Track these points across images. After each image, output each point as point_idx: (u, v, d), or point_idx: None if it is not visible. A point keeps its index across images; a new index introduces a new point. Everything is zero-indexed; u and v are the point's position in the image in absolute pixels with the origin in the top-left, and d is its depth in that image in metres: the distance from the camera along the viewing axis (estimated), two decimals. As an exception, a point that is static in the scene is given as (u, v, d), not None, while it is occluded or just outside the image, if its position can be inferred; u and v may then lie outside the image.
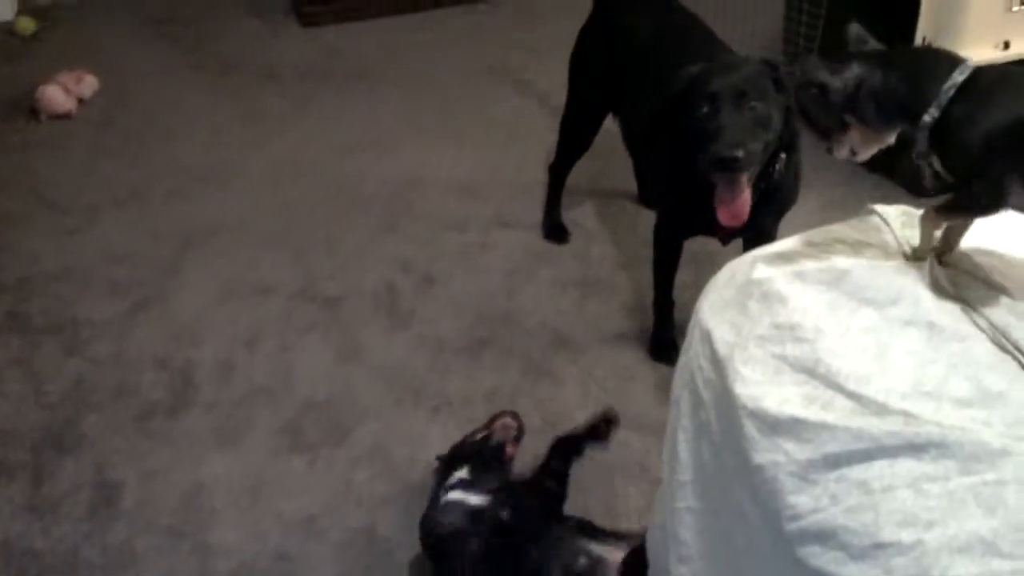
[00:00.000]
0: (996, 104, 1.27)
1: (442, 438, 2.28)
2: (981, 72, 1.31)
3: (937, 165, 1.35)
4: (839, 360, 1.20)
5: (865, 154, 1.43)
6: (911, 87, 1.33)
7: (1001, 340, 1.21)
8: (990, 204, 1.29)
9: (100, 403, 2.40)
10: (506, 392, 2.42)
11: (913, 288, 1.28)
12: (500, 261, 2.90)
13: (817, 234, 1.47)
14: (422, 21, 4.34)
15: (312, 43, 4.20)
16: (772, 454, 1.16)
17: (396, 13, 4.36)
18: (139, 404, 2.40)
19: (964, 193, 1.33)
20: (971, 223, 1.38)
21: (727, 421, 1.24)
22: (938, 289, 1.29)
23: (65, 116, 3.60)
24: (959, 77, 1.29)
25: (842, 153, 1.44)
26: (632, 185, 3.16)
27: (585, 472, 2.17)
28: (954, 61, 1.33)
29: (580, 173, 3.06)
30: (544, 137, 3.36)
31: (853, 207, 1.59)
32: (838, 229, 1.48)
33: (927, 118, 1.30)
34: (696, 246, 2.66)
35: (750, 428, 1.19)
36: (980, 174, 1.28)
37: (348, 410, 2.38)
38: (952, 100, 1.29)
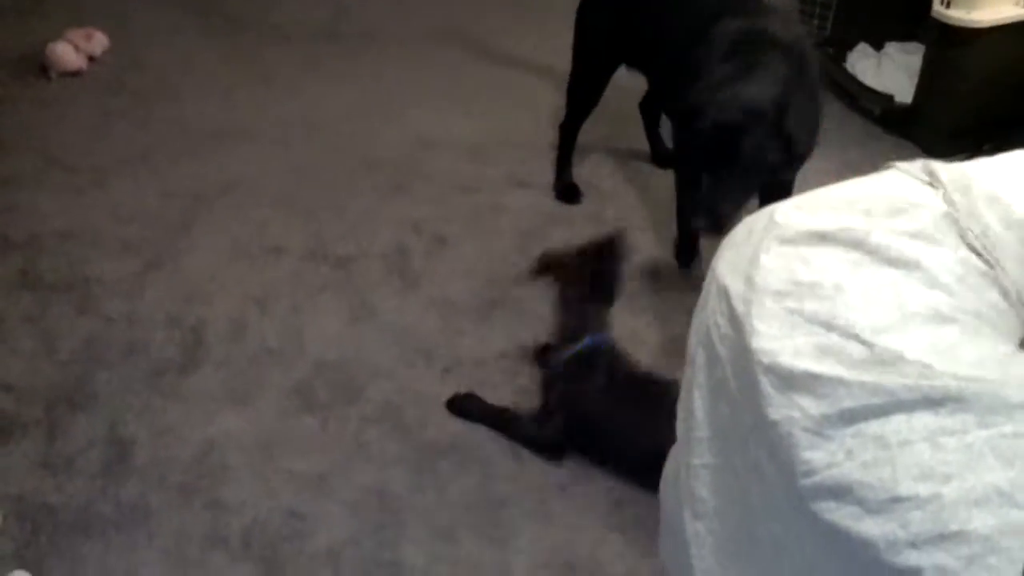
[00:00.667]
0: None
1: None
2: None
3: None
4: (857, 313, 1.19)
5: None
6: None
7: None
8: None
9: (112, 361, 2.40)
10: (517, 353, 2.41)
11: (935, 248, 1.26)
12: (512, 222, 2.89)
13: (835, 190, 1.45)
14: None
15: (321, 3, 4.17)
16: (787, 410, 1.15)
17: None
18: (151, 362, 2.40)
19: None
20: None
21: (744, 377, 1.23)
22: (967, 245, 1.27)
23: (75, 74, 3.58)
24: None
25: None
26: (646, 146, 3.14)
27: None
28: None
29: (593, 134, 3.04)
30: (555, 99, 3.33)
31: (869, 169, 1.57)
32: (856, 185, 1.46)
33: None
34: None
35: (766, 384, 1.18)
36: None
37: (359, 370, 2.38)
38: None
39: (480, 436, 2.20)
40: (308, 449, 2.18)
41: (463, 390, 2.30)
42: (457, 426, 2.23)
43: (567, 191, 2.99)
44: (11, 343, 2.45)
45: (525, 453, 2.16)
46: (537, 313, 2.53)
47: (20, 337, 2.47)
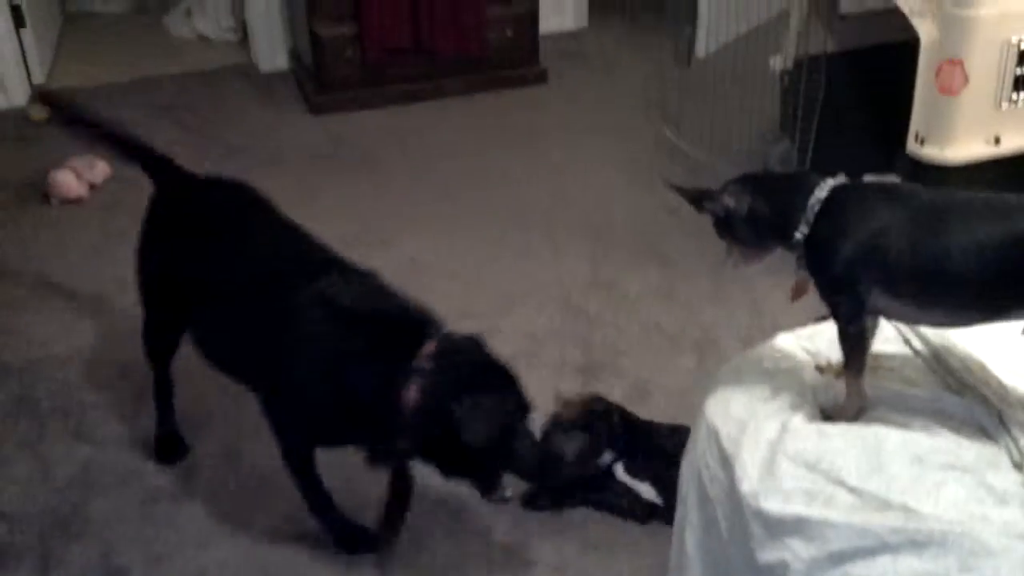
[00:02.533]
0: (851, 222, 1.37)
1: (445, 532, 2.29)
2: (839, 190, 1.41)
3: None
4: (840, 457, 1.24)
5: (750, 266, 1.55)
6: (777, 209, 1.43)
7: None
8: (853, 316, 1.37)
9: (107, 487, 2.42)
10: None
11: (911, 389, 1.32)
12: (503, 346, 2.92)
13: (819, 331, 1.52)
14: (425, 110, 4.44)
15: (318, 130, 4.29)
16: (779, 552, 1.19)
17: (402, 103, 4.47)
18: (145, 489, 2.42)
19: (833, 311, 1.41)
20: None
21: (734, 518, 1.27)
22: (942, 383, 1.33)
23: (76, 201, 3.66)
24: (821, 195, 1.39)
25: (732, 262, 1.56)
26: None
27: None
28: (813, 181, 1.44)
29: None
30: (545, 224, 3.43)
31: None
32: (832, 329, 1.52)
33: (798, 235, 1.40)
34: (698, 332, 2.70)
35: (756, 526, 1.22)
36: (840, 289, 1.36)
37: (352, 499, 2.39)
38: (817, 219, 1.39)
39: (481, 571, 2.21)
40: (301, 578, 2.19)
41: (453, 520, 2.32)
42: (455, 557, 2.24)
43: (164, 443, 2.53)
44: (6, 469, 2.47)
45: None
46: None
47: (16, 463, 2.49)
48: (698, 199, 1.51)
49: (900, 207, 1.35)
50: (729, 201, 1.46)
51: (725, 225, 1.49)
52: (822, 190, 1.39)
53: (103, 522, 2.32)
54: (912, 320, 1.41)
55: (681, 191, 1.55)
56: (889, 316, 1.41)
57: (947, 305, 1.31)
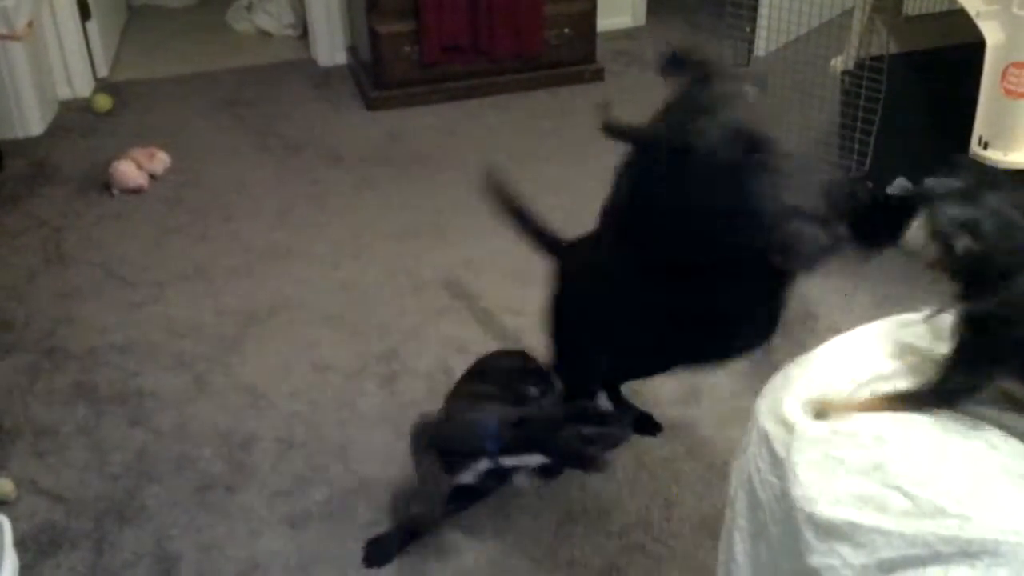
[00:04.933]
0: None
1: (493, 524, 2.31)
2: None
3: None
4: (898, 464, 1.22)
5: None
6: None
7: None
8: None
9: (161, 474, 2.46)
10: (560, 476, 2.44)
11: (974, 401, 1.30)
12: (554, 346, 2.94)
13: (873, 334, 1.50)
14: (481, 107, 4.45)
15: (375, 127, 4.32)
16: (828, 558, 1.18)
17: (458, 99, 4.49)
18: (199, 477, 2.45)
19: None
20: None
21: (785, 523, 1.26)
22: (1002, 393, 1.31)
23: (137, 191, 3.72)
24: None
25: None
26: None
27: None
28: None
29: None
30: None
31: (909, 304, 1.61)
32: (890, 331, 1.50)
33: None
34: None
35: (806, 531, 1.21)
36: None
37: (404, 491, 2.41)
38: None
39: (524, 566, 2.21)
40: (350, 571, 2.20)
41: (502, 516, 2.32)
42: (495, 553, 2.25)
43: None
44: (64, 454, 2.52)
45: (564, 581, 2.17)
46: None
47: (73, 448, 2.54)
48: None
49: None
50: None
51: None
52: None
53: (157, 509, 2.36)
54: None
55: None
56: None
57: None
